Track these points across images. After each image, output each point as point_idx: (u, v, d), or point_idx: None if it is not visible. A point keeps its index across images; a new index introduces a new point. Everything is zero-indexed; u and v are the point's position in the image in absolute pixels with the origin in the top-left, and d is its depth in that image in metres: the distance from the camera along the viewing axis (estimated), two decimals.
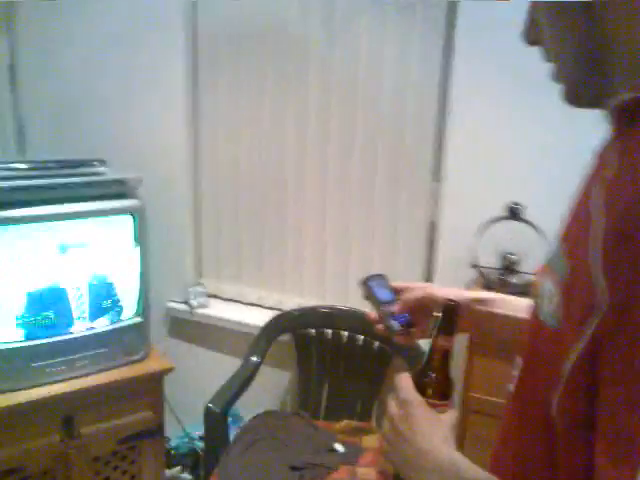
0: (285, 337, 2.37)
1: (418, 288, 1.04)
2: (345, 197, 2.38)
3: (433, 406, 0.80)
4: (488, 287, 2.04)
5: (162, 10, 2.43)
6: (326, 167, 2.38)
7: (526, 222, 2.00)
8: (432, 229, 2.32)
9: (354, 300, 2.43)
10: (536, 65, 2.03)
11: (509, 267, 2.04)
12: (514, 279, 2.02)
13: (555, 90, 1.90)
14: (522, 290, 2.01)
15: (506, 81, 2.05)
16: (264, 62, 2.39)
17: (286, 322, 2.36)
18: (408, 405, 0.78)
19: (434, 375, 0.85)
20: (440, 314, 0.86)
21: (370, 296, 1.06)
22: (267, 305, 2.57)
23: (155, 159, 2.54)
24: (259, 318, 2.42)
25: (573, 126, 1.98)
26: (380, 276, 1.10)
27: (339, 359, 2.34)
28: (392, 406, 0.80)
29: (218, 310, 2.58)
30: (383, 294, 1.05)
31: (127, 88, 2.56)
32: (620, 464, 0.50)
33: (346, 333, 2.33)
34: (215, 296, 2.65)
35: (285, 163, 2.44)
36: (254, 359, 2.28)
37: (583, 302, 0.55)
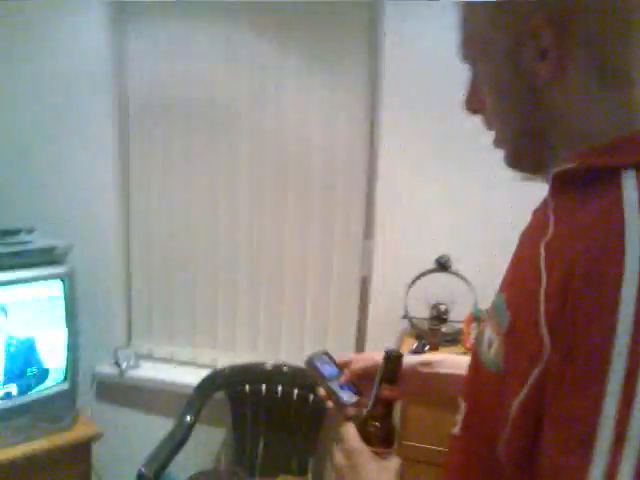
0: (219, 395, 2.33)
1: (362, 358, 1.05)
2: (279, 255, 2.42)
3: (378, 454, 0.83)
4: (419, 337, 2.10)
5: (92, 74, 2.44)
6: (260, 227, 2.42)
7: (454, 273, 2.09)
8: (364, 284, 2.38)
9: (287, 355, 2.43)
10: (457, 128, 2.18)
11: (439, 316, 2.11)
12: (444, 328, 2.09)
13: (473, 152, 2.04)
14: (452, 338, 2.09)
15: (429, 143, 2.19)
16: (195, 128, 2.43)
17: (220, 380, 2.33)
18: (354, 455, 0.81)
19: (378, 424, 0.88)
20: (382, 364, 0.90)
21: (316, 374, 1.06)
22: (200, 363, 2.53)
23: (85, 224, 2.50)
24: (192, 377, 2.37)
25: (492, 185, 2.13)
26: (324, 353, 1.10)
27: (274, 414, 2.32)
28: (338, 456, 0.82)
29: (149, 371, 2.51)
30: (328, 370, 1.06)
31: (57, 154, 2.52)
32: None
33: (280, 388, 2.32)
34: (146, 357, 2.58)
35: (217, 225, 2.46)
36: (188, 419, 2.22)
37: (529, 352, 0.59)
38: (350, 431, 0.84)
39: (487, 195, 2.16)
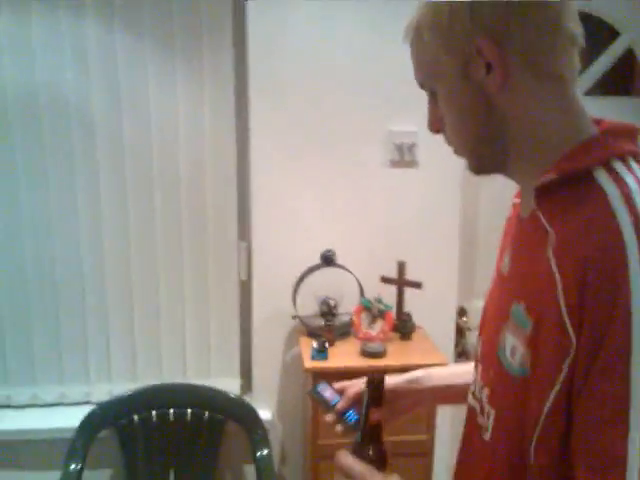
0: (105, 433, 2.13)
1: (357, 384, 1.08)
2: (150, 266, 2.24)
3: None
4: (313, 335, 2.10)
5: None
6: (127, 236, 2.21)
7: (339, 266, 2.11)
8: (244, 288, 2.31)
9: (169, 374, 2.29)
10: (329, 119, 2.17)
11: (329, 311, 2.12)
12: (335, 322, 2.10)
13: (346, 143, 2.05)
14: (344, 330, 2.11)
15: (302, 136, 2.16)
16: (46, 132, 2.13)
17: (103, 415, 2.12)
18: (365, 476, 0.84)
19: (371, 447, 0.92)
20: (367, 389, 0.93)
21: (321, 403, 1.12)
22: (71, 401, 2.27)
23: None
24: (66, 419, 2.13)
25: (367, 175, 2.18)
26: (323, 382, 1.15)
27: (170, 440, 2.17)
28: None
29: (11, 422, 2.20)
30: (331, 397, 1.11)
31: None
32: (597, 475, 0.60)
33: (172, 411, 2.18)
34: (6, 406, 2.26)
35: (80, 239, 2.19)
36: (74, 467, 1.99)
37: (557, 348, 0.65)
38: (349, 458, 0.87)
39: (363, 185, 2.20)
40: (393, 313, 2.07)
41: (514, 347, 0.73)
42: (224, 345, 2.33)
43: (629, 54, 2.44)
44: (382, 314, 2.05)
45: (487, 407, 0.80)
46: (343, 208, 2.20)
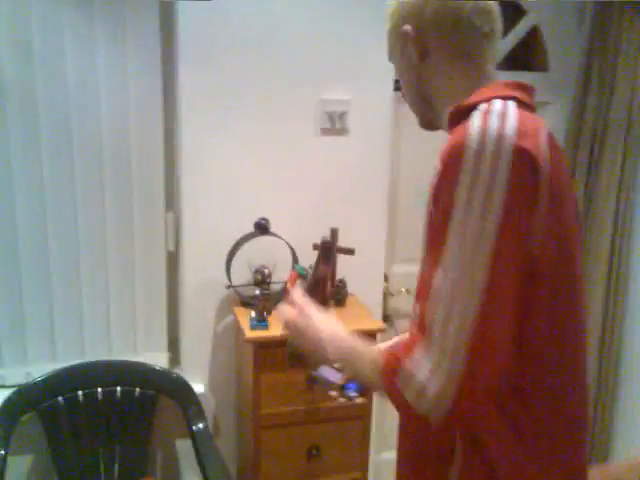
0: (28, 416, 1.99)
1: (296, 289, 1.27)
2: (70, 234, 2.09)
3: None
4: (246, 304, 2.08)
5: None
6: (43, 204, 2.05)
7: (273, 235, 2.09)
8: (172, 258, 2.23)
9: (93, 351, 2.18)
10: (255, 93, 2.15)
11: (263, 280, 2.10)
12: (269, 291, 2.09)
13: (277, 109, 2.05)
14: (279, 299, 2.10)
15: (233, 102, 2.10)
16: None
17: (22, 399, 1.98)
18: (303, 306, 1.10)
19: (316, 294, 1.22)
20: (320, 249, 1.34)
21: (323, 383, 1.28)
22: (12, 384, 2.10)
23: None
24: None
25: (298, 142, 2.17)
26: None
27: (99, 418, 2.07)
28: (288, 309, 1.11)
29: None
30: (332, 376, 1.26)
31: None
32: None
33: (100, 390, 2.08)
34: None
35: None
36: None
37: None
38: (298, 292, 1.15)
39: (295, 153, 2.19)
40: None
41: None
42: (151, 319, 2.25)
43: (534, 31, 2.59)
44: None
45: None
46: (276, 176, 2.18)
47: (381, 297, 2.36)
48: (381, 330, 1.99)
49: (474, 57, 1.03)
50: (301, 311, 1.09)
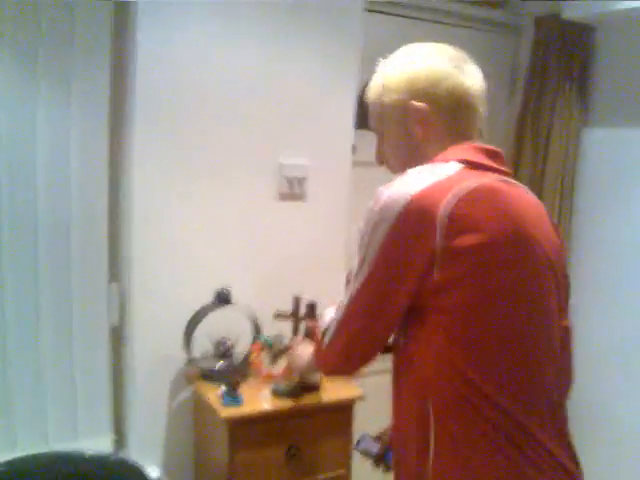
0: None
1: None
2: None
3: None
4: (208, 378, 1.96)
5: None
6: None
7: (235, 305, 2.00)
8: (117, 332, 2.06)
9: (27, 441, 1.93)
10: (213, 156, 2.09)
11: (226, 353, 2.00)
12: (232, 364, 1.99)
13: (238, 171, 2.26)
14: (243, 371, 2.00)
15: (188, 169, 2.01)
16: None
17: None
18: (297, 344, 1.64)
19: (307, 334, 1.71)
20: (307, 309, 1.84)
21: (367, 454, 1.44)
22: None
23: None
24: None
25: (256, 212, 2.11)
26: (364, 436, 1.47)
27: None
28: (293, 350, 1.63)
29: None
30: (373, 447, 1.43)
31: None
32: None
33: None
34: None
35: None
36: None
37: None
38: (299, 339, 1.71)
39: (254, 218, 2.13)
40: None
41: None
42: (93, 399, 2.04)
43: None
44: (285, 351, 1.99)
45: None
46: (234, 242, 2.10)
47: None
48: (360, 397, 1.95)
49: (468, 135, 1.12)
50: (295, 348, 1.62)
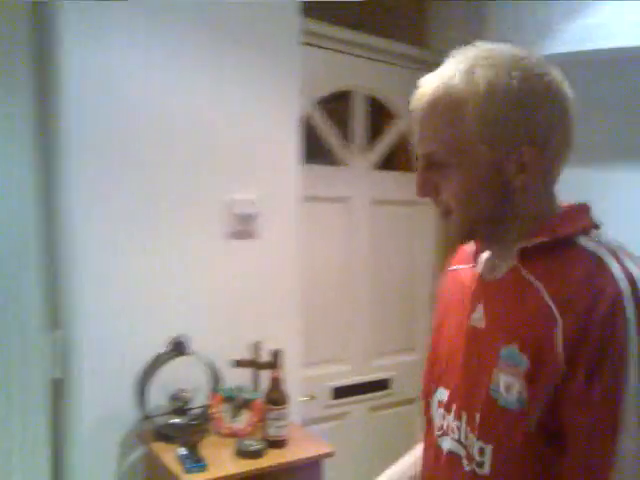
0: None
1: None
2: None
3: (278, 410, 1.78)
4: (165, 437, 1.77)
5: None
6: None
7: (193, 354, 1.83)
8: (57, 386, 1.84)
9: None
10: (158, 194, 2.02)
11: (183, 408, 1.82)
12: (190, 420, 1.82)
13: (189, 210, 1.96)
14: (203, 428, 1.82)
15: (132, 209, 1.86)
16: None
17: None
18: None
19: (276, 392, 1.77)
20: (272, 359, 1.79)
21: None
22: None
23: None
24: None
25: (207, 252, 1.97)
26: None
27: None
28: None
29: None
30: None
31: None
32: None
33: None
34: None
35: None
36: None
37: (548, 375, 0.78)
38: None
39: (204, 258, 1.99)
40: (261, 401, 1.87)
41: (509, 384, 0.83)
42: (30, 462, 1.80)
43: (402, 135, 2.75)
44: (248, 403, 1.85)
45: (477, 445, 0.87)
46: (186, 287, 1.95)
47: (300, 406, 2.19)
48: (330, 454, 1.82)
49: (558, 173, 0.89)
50: None
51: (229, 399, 1.84)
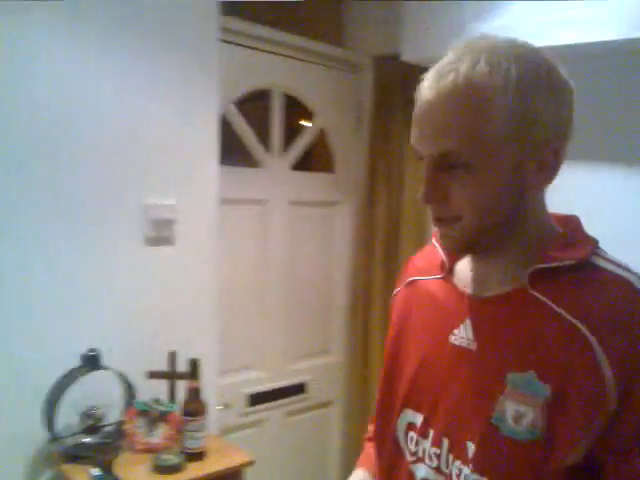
0: None
1: None
2: None
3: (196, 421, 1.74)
4: (76, 458, 1.67)
5: None
6: None
7: (106, 368, 1.74)
8: None
9: None
10: (67, 197, 1.91)
11: (95, 425, 1.73)
12: (104, 438, 1.73)
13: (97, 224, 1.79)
14: (117, 446, 1.74)
15: (38, 216, 1.74)
16: None
17: None
18: None
19: (194, 402, 1.75)
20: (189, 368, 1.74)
21: None
22: None
23: None
24: None
25: (120, 259, 1.88)
26: None
27: None
28: None
29: None
30: None
31: None
32: None
33: None
34: None
35: None
36: None
37: (587, 411, 0.72)
38: None
39: (118, 266, 1.90)
40: (178, 413, 1.81)
41: (521, 413, 0.76)
42: None
43: (321, 133, 2.73)
44: (164, 416, 1.78)
45: (469, 476, 0.80)
46: (100, 297, 1.84)
47: (216, 415, 2.14)
48: (250, 463, 1.79)
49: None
50: None
51: (144, 413, 1.77)
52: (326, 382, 2.72)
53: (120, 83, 1.87)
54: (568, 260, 0.78)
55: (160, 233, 1.97)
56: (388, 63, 2.55)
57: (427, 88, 0.78)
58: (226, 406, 2.27)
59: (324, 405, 2.75)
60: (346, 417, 2.77)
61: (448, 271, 0.92)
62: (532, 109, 0.75)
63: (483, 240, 0.82)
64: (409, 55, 2.41)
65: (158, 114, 1.96)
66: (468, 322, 0.85)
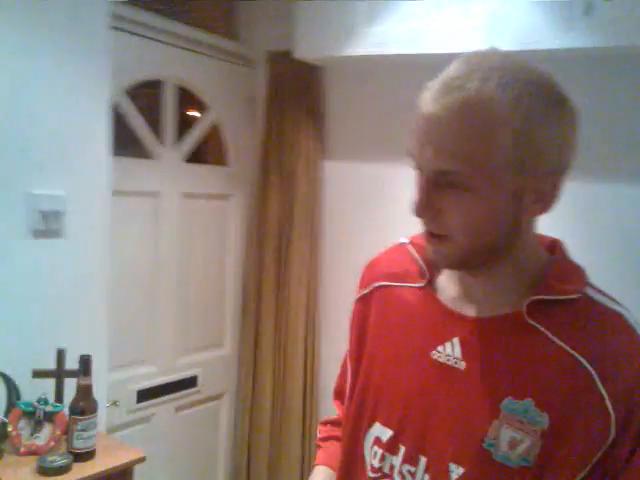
0: None
1: None
2: None
3: (85, 419, 1.68)
4: None
5: None
6: None
7: None
8: None
9: None
10: None
11: None
12: None
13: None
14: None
15: None
16: None
17: None
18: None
19: (85, 401, 1.69)
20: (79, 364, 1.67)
21: None
22: None
23: None
24: None
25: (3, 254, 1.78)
26: None
27: None
28: None
29: None
30: None
31: None
32: None
33: None
34: None
35: None
36: None
37: (588, 441, 0.73)
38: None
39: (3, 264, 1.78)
40: (66, 413, 1.74)
41: (515, 439, 0.76)
42: None
43: (214, 127, 2.72)
44: (50, 417, 1.71)
45: None
46: None
47: (104, 413, 2.08)
48: (141, 460, 1.77)
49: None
50: None
51: (29, 414, 1.70)
52: (218, 375, 2.72)
53: (9, 68, 1.75)
54: (570, 294, 0.79)
55: (48, 225, 1.87)
56: (282, 59, 2.57)
57: (432, 100, 0.75)
58: (113, 403, 2.22)
59: (215, 398, 2.75)
60: (236, 409, 2.79)
61: (428, 282, 0.89)
62: (537, 140, 0.74)
63: (474, 260, 0.81)
64: (302, 53, 2.44)
65: (46, 100, 1.86)
66: (456, 341, 0.83)
